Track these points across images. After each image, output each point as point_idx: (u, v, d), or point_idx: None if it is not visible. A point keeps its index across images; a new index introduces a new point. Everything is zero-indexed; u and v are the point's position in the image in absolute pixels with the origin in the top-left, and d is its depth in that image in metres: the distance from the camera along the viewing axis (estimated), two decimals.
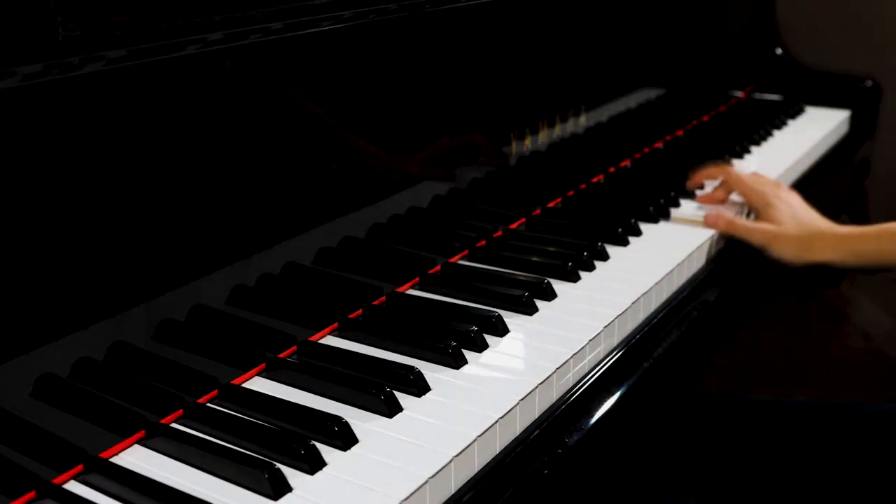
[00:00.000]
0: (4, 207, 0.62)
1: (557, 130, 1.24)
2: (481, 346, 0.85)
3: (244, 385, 0.81)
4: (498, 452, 0.73)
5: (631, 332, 0.94)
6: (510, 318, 0.90)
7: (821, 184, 1.51)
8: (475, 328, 0.85)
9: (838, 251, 1.13)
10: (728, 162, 1.41)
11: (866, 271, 1.17)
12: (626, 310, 0.92)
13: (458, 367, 0.81)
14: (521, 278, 0.99)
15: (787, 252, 1.14)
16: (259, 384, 0.81)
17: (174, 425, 0.75)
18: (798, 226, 1.15)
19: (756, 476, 1.00)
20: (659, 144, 1.54)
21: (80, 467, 0.69)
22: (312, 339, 0.88)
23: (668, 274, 1.01)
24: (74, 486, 0.68)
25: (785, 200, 1.18)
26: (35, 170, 0.64)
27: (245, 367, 0.82)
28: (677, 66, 1.59)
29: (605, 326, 0.88)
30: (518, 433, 0.76)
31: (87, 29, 0.63)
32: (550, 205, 1.24)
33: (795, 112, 1.75)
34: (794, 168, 1.46)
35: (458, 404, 0.75)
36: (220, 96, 0.77)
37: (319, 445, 0.69)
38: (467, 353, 0.83)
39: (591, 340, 0.86)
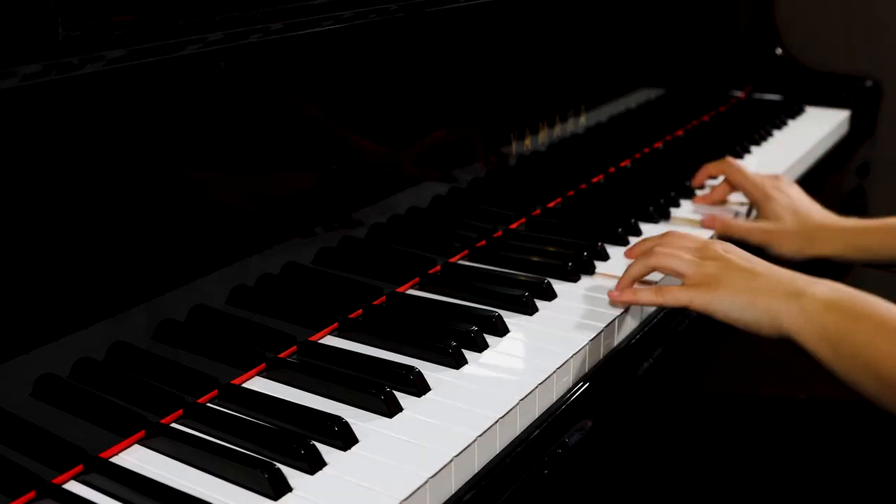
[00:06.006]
0: (5, 207, 0.62)
1: (557, 130, 1.24)
2: (481, 346, 0.85)
3: (244, 385, 0.81)
4: (498, 452, 0.73)
5: (632, 332, 0.94)
6: (510, 318, 0.90)
7: (821, 183, 1.51)
8: (475, 328, 0.85)
9: (839, 245, 1.10)
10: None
11: (871, 266, 1.13)
12: (626, 310, 0.92)
13: (458, 367, 0.81)
14: (521, 278, 0.99)
15: (787, 248, 1.12)
16: (259, 384, 0.81)
17: (174, 425, 0.75)
18: (798, 220, 1.13)
19: (757, 474, 0.99)
20: (659, 144, 1.54)
21: (80, 467, 0.69)
22: (312, 339, 0.88)
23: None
24: (74, 486, 0.68)
25: (785, 192, 1.17)
26: (35, 170, 0.64)
27: (245, 367, 0.82)
28: (677, 66, 1.59)
29: (606, 326, 0.88)
30: (518, 433, 0.76)
31: (87, 29, 0.63)
32: (550, 205, 1.24)
33: (795, 112, 1.75)
34: (794, 168, 1.46)
35: (458, 404, 0.75)
36: (220, 96, 0.77)
37: (319, 445, 0.69)
38: (467, 353, 0.83)
39: (591, 340, 0.86)
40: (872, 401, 0.80)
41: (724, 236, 1.14)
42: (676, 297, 0.89)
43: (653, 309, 0.98)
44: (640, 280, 0.94)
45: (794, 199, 1.16)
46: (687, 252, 0.91)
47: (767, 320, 0.84)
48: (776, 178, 1.21)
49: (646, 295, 0.91)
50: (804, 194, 1.19)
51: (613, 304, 0.93)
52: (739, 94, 1.88)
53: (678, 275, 0.90)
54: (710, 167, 1.28)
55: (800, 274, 0.86)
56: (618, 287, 0.93)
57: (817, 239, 1.11)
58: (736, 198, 1.25)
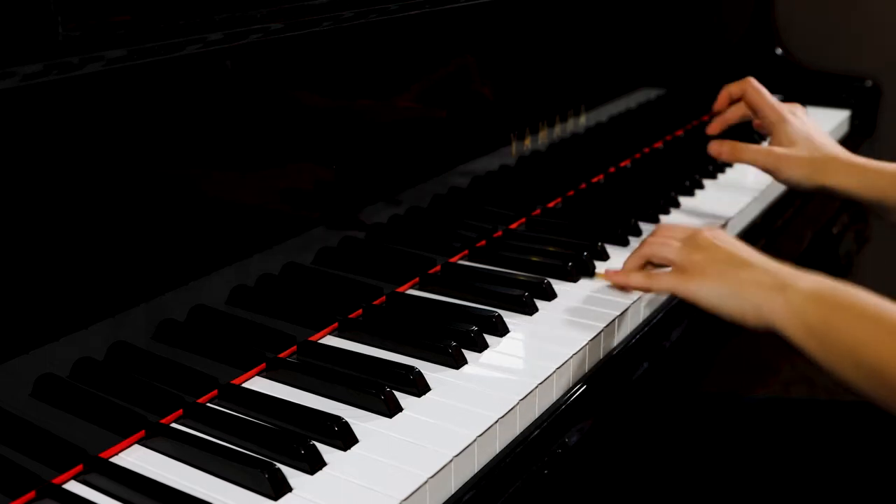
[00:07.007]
0: (4, 207, 0.62)
1: (557, 130, 1.24)
2: (481, 346, 0.85)
3: (244, 385, 0.81)
4: (498, 452, 0.73)
5: (631, 332, 0.94)
6: (510, 318, 0.90)
7: None
8: (475, 328, 0.85)
9: (849, 179, 1.07)
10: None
11: (873, 208, 1.07)
12: (626, 309, 0.92)
13: (458, 367, 0.81)
14: (521, 278, 0.99)
15: (795, 174, 1.09)
16: (259, 384, 0.81)
17: (174, 425, 0.75)
18: (811, 147, 1.11)
19: (757, 475, 1.00)
20: (659, 144, 1.54)
21: (80, 467, 0.69)
22: (312, 339, 0.88)
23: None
24: (74, 486, 0.68)
25: (800, 118, 1.15)
26: (35, 170, 0.64)
27: (245, 367, 0.82)
28: (677, 66, 1.59)
29: (606, 326, 0.88)
30: (518, 433, 0.76)
31: (87, 29, 0.63)
32: (550, 205, 1.24)
33: None
34: None
35: (458, 404, 0.75)
36: (220, 96, 0.77)
37: (319, 445, 0.69)
38: (467, 353, 0.83)
39: (591, 340, 0.86)
40: (855, 391, 0.80)
41: (733, 161, 1.12)
42: (663, 282, 0.90)
43: (654, 308, 0.98)
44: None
45: (808, 127, 1.14)
46: (677, 241, 0.92)
47: (752, 311, 0.84)
48: (794, 105, 1.19)
49: (636, 278, 0.93)
50: (819, 127, 1.16)
51: (614, 285, 0.96)
52: None
53: (668, 262, 0.91)
54: (731, 87, 1.25)
55: (785, 266, 0.86)
56: (614, 274, 0.96)
57: (829, 168, 1.09)
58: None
